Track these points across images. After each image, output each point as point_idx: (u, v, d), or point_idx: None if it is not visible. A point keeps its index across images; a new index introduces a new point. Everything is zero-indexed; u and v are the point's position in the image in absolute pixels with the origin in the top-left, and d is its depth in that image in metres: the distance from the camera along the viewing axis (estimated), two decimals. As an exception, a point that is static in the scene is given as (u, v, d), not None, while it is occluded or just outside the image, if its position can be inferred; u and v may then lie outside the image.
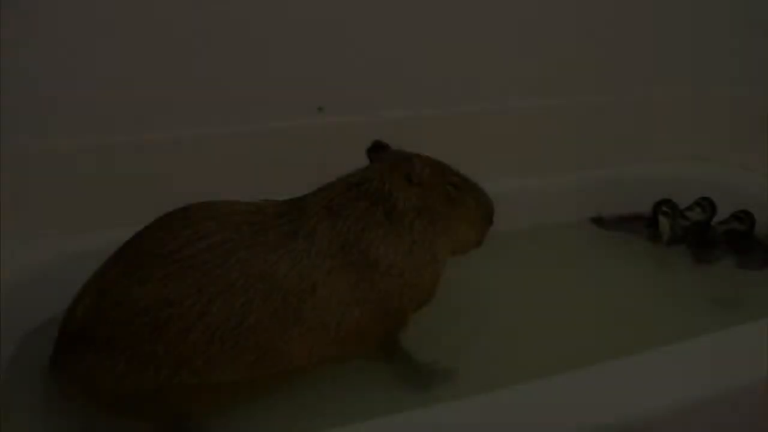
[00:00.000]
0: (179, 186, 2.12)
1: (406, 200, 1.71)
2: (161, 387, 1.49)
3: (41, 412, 1.60)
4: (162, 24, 2.11)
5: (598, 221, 2.65)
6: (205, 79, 2.18)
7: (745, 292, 2.22)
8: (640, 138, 2.83)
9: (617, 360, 1.47)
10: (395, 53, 2.40)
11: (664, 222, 2.47)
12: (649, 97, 2.82)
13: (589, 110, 2.71)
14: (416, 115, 2.43)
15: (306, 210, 1.67)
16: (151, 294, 1.49)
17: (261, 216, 1.64)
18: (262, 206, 1.68)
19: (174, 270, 1.51)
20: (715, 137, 2.84)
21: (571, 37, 2.64)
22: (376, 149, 1.88)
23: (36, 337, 1.80)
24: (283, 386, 1.61)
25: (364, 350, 1.70)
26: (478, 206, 1.87)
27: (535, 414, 1.35)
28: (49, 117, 2.05)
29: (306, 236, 1.62)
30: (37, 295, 1.85)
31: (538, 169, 2.66)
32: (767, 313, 1.66)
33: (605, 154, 2.76)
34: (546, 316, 2.02)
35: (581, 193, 2.69)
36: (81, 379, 1.52)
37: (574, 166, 2.72)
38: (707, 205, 2.49)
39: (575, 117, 2.69)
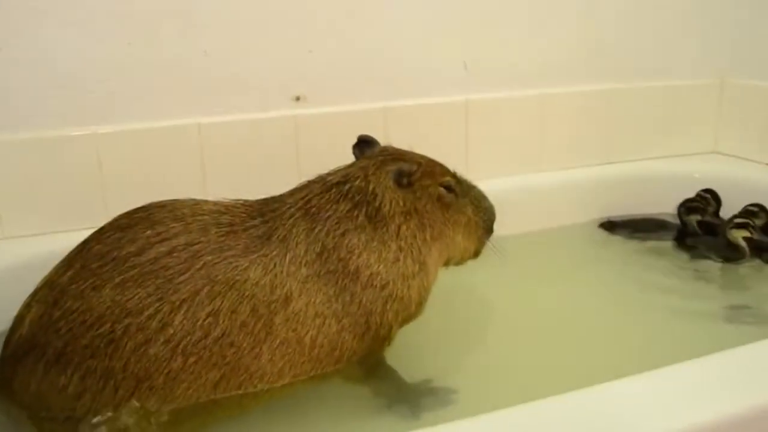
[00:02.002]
0: (139, 183, 2.14)
1: (392, 203, 1.71)
2: (119, 407, 1.48)
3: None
4: (123, 4, 2.11)
5: (608, 226, 2.66)
6: (171, 67, 2.18)
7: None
8: (654, 132, 2.85)
9: (631, 378, 1.42)
10: (380, 38, 2.41)
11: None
12: (665, 88, 2.84)
13: (596, 100, 2.73)
14: (404, 105, 2.45)
15: (281, 211, 1.67)
16: (106, 302, 1.47)
17: (230, 217, 1.63)
18: (231, 206, 1.67)
19: (132, 276, 1.49)
20: (739, 132, 2.88)
21: (574, 19, 2.66)
22: (362, 145, 1.88)
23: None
24: (252, 408, 1.59)
25: (344, 368, 1.68)
26: (476, 212, 1.88)
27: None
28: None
29: (280, 241, 1.61)
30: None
31: (540, 166, 2.69)
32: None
33: (615, 148, 2.79)
34: (551, 329, 2.02)
35: (591, 191, 2.71)
36: (30, 398, 1.49)
37: (583, 162, 2.75)
38: (760, 209, 2.45)
39: (580, 107, 2.71)
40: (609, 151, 2.79)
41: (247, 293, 1.54)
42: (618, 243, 2.58)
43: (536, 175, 2.67)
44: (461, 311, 2.12)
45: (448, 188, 1.81)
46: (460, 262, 1.91)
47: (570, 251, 2.54)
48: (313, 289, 1.60)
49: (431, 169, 1.81)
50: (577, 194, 2.69)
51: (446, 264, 1.89)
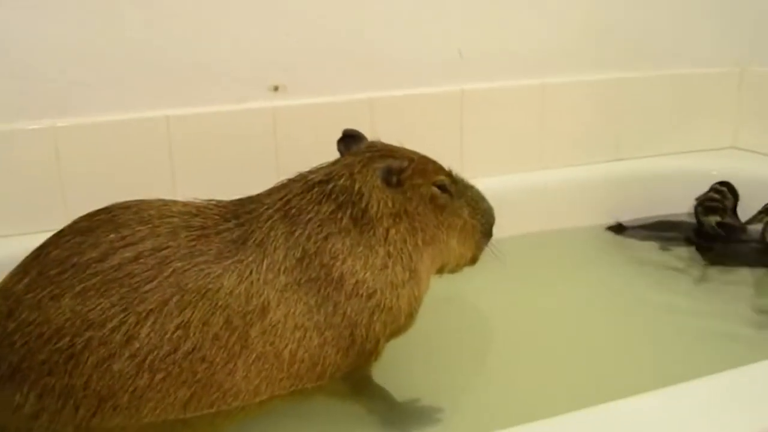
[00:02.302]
0: (101, 182, 2.14)
1: (380, 203, 1.71)
2: (80, 428, 1.48)
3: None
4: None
5: (617, 229, 2.67)
6: (137, 54, 2.18)
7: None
8: (667, 125, 2.86)
9: (644, 396, 1.41)
10: (366, 22, 2.41)
11: None
12: (679, 76, 2.85)
13: (603, 90, 2.74)
14: (392, 96, 2.45)
15: (257, 213, 1.67)
16: (66, 313, 1.47)
17: (202, 219, 1.63)
18: (203, 208, 1.67)
19: (94, 284, 1.49)
20: (760, 125, 2.89)
21: (579, 0, 2.67)
22: (347, 140, 1.88)
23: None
24: (226, 428, 1.59)
25: (327, 385, 1.68)
26: (473, 214, 1.89)
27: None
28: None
29: (257, 245, 1.61)
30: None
31: (542, 163, 2.70)
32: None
33: (623, 144, 2.81)
34: (553, 341, 2.03)
35: (598, 190, 2.71)
36: (-18, 418, 1.49)
37: (590, 159, 2.76)
38: None
39: (586, 98, 2.72)
40: (617, 147, 2.80)
41: (220, 303, 1.54)
42: (627, 246, 2.59)
43: (538, 174, 2.68)
44: (456, 322, 2.13)
45: (442, 188, 1.82)
46: (455, 269, 1.92)
47: (575, 256, 2.56)
48: (292, 298, 1.60)
49: (423, 166, 1.81)
50: (582, 194, 2.70)
51: (440, 271, 1.89)
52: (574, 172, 2.72)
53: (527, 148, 2.66)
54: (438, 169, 1.85)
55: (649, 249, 2.56)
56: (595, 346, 2.01)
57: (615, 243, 2.61)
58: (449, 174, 1.87)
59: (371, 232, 1.69)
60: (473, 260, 1.93)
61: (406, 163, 1.75)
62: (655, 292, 2.28)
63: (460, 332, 2.09)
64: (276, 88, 2.32)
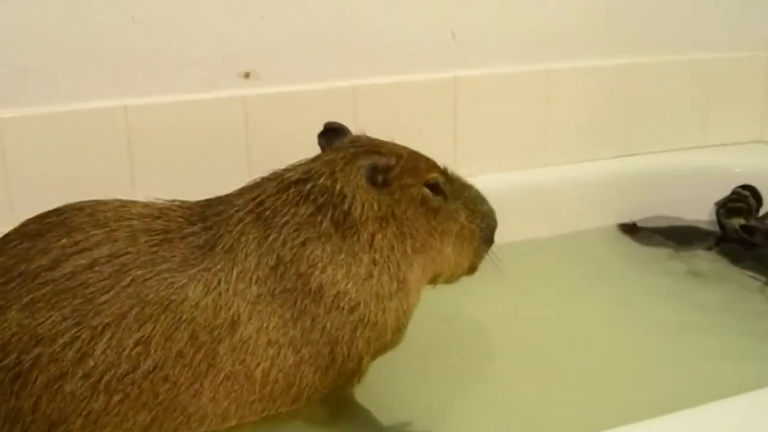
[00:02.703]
0: (52, 180, 2.14)
1: (364, 205, 1.71)
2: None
3: None
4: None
5: (630, 229, 2.70)
6: (92, 38, 2.18)
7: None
8: (686, 116, 2.88)
9: (664, 418, 1.43)
10: (344, 0, 2.42)
11: None
12: (700, 62, 2.87)
13: (613, 77, 2.76)
14: (377, 83, 2.47)
15: (227, 215, 1.68)
16: (12, 327, 1.47)
17: (164, 222, 1.64)
18: (166, 209, 1.68)
19: (44, 295, 1.49)
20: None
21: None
22: (329, 134, 1.88)
23: None
24: None
25: (305, 409, 1.68)
26: (471, 218, 1.89)
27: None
28: None
29: (226, 251, 1.62)
30: None
31: (546, 159, 2.72)
32: None
33: (637, 137, 2.83)
34: (560, 359, 2.04)
35: (607, 190, 2.73)
36: None
37: (598, 154, 2.78)
38: None
39: (594, 86, 2.74)
40: (630, 141, 2.81)
41: (184, 317, 1.55)
42: (640, 252, 2.61)
43: (540, 171, 2.70)
44: (451, 338, 2.14)
45: (435, 189, 1.82)
46: (451, 279, 1.93)
47: (581, 264, 2.57)
48: (265, 311, 1.61)
49: (414, 164, 1.81)
50: (589, 195, 2.71)
51: (433, 282, 1.90)
52: (581, 169, 2.73)
53: (529, 143, 2.67)
54: (431, 167, 1.85)
55: (664, 256, 2.58)
56: (605, 365, 2.02)
57: (626, 249, 2.63)
58: (444, 172, 1.87)
59: (354, 238, 1.69)
60: (471, 269, 1.94)
61: (393, 161, 1.75)
62: (671, 304, 2.29)
63: (456, 349, 2.10)
64: (247, 75, 2.33)
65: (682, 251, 2.58)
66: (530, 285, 2.40)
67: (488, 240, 1.94)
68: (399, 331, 1.78)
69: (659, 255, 2.58)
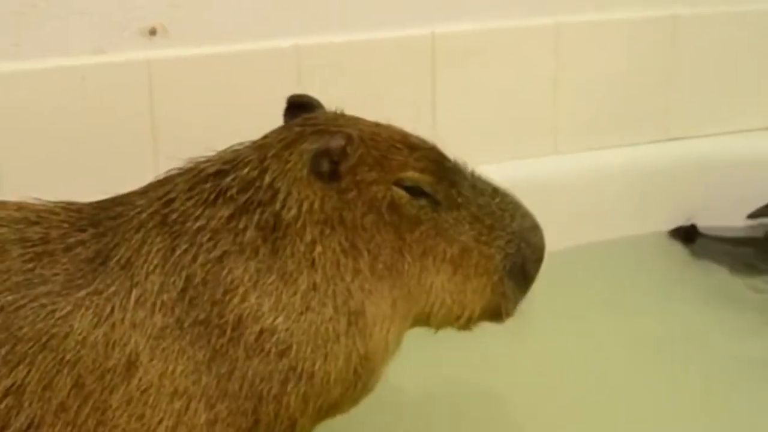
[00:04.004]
0: None
1: (302, 205, 1.66)
2: None
3: None
4: None
5: (685, 234, 2.75)
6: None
7: None
8: (747, 88, 2.92)
9: None
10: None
11: None
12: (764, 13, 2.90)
13: (647, 34, 2.79)
14: (328, 43, 2.49)
15: (125, 219, 1.68)
16: None
17: (43, 229, 1.65)
18: (47, 212, 1.69)
19: None
20: None
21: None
22: (296, 111, 1.86)
23: None
24: None
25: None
26: (486, 237, 1.78)
27: None
28: None
29: (122, 267, 1.62)
30: None
31: (559, 144, 2.77)
32: None
33: (679, 115, 2.86)
34: (592, 404, 2.09)
35: (643, 186, 2.78)
36: None
37: (628, 139, 2.82)
38: None
39: (621, 47, 2.77)
40: (671, 120, 2.85)
41: (68, 357, 1.55)
42: (701, 270, 2.64)
43: (549, 161, 2.74)
44: (454, 382, 2.17)
45: (415, 190, 1.75)
46: (453, 323, 1.83)
47: (619, 283, 2.60)
48: (172, 350, 1.59)
49: (383, 153, 1.75)
50: (618, 191, 2.76)
51: (423, 324, 1.83)
52: (603, 158, 2.77)
53: (533, 123, 2.71)
54: (410, 160, 1.77)
55: (726, 275, 2.61)
56: (655, 411, 2.06)
57: (676, 263, 2.67)
58: (440, 166, 1.79)
59: (288, 252, 1.65)
60: (492, 314, 1.83)
61: (343, 142, 1.68)
62: (735, 337, 2.33)
63: (459, 396, 2.14)
64: (153, 32, 2.35)
65: (743, 267, 2.62)
66: (545, 316, 2.27)
67: (519, 274, 1.81)
68: (353, 387, 1.71)
69: (719, 273, 2.61)
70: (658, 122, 2.84)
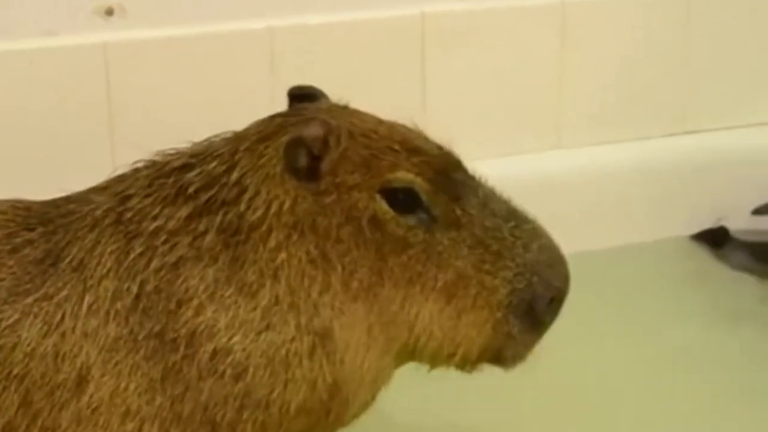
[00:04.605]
0: None
1: (270, 206, 1.62)
2: None
3: None
4: None
5: (713, 237, 2.76)
6: None
7: None
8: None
9: None
10: None
11: None
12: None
13: (664, 10, 2.80)
14: (303, 24, 2.49)
15: (78, 216, 1.67)
16: None
17: (-10, 229, 1.66)
18: (-6, 212, 1.70)
19: None
20: None
21: None
22: (299, 103, 1.81)
23: None
24: None
25: None
26: (489, 265, 1.68)
27: None
28: None
29: (73, 269, 1.61)
30: None
31: (564, 137, 2.78)
32: None
33: (699, 104, 2.86)
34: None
35: (660, 184, 2.79)
36: None
37: (641, 131, 2.83)
38: None
39: (634, 25, 2.78)
40: (690, 111, 2.86)
41: (15, 371, 1.55)
42: (728, 278, 2.64)
43: (554, 155, 2.76)
44: (448, 405, 2.18)
45: (405, 201, 1.67)
46: (445, 361, 1.75)
47: (632, 296, 2.60)
48: (125, 364, 1.58)
49: (371, 151, 1.68)
50: (629, 190, 2.77)
51: (410, 359, 1.76)
52: (613, 153, 2.78)
53: (535, 112, 2.72)
54: (415, 162, 1.68)
55: (756, 285, 2.62)
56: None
57: (700, 272, 2.67)
58: (443, 176, 1.70)
59: (249, 258, 1.61)
60: (495, 356, 1.75)
61: (321, 131, 1.62)
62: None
63: (459, 419, 2.15)
64: (109, 12, 2.35)
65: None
66: (548, 336, 2.26)
67: (527, 314, 1.71)
68: (323, 418, 1.68)
69: (752, 286, 2.62)
70: (673, 113, 2.85)
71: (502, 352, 1.72)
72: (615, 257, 2.68)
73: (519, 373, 1.86)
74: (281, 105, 1.83)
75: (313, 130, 1.60)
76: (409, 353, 1.71)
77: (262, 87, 2.11)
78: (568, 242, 2.52)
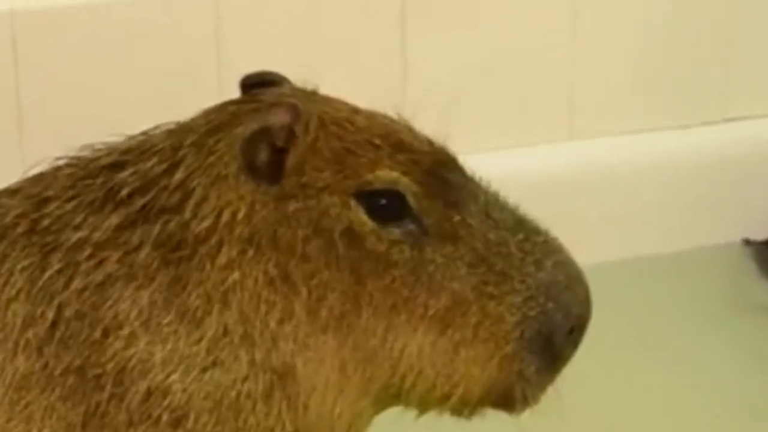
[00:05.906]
0: None
1: (221, 214, 1.60)
2: None
3: None
4: None
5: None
6: None
7: None
8: None
9: None
10: None
11: None
12: None
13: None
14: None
15: None
16: None
17: None
18: None
19: None
20: None
21: None
22: (253, 88, 1.79)
23: None
24: None
25: None
26: (493, 288, 1.64)
27: None
28: None
29: None
30: None
31: (578, 127, 2.85)
32: None
33: (743, 88, 2.93)
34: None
35: (689, 182, 2.87)
36: None
37: (673, 120, 2.90)
38: None
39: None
40: (728, 95, 2.94)
41: None
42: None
43: (567, 148, 2.82)
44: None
45: (389, 210, 1.64)
46: (439, 404, 1.70)
47: (666, 315, 2.67)
48: (37, 405, 1.58)
49: (350, 144, 1.65)
50: (663, 189, 2.85)
51: (398, 402, 1.74)
52: (639, 145, 2.86)
53: (544, 98, 2.79)
54: (400, 160, 1.64)
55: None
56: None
57: (747, 286, 2.76)
58: (435, 177, 1.67)
59: (194, 278, 1.58)
60: (503, 399, 1.70)
61: (288, 118, 1.57)
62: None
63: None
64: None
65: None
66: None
67: (543, 348, 1.67)
68: None
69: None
70: (714, 99, 2.92)
71: (511, 394, 1.66)
72: (640, 270, 2.73)
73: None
74: (232, 91, 1.80)
75: (279, 117, 1.57)
76: (392, 396, 1.67)
77: (208, 63, 2.14)
78: (583, 252, 2.59)
